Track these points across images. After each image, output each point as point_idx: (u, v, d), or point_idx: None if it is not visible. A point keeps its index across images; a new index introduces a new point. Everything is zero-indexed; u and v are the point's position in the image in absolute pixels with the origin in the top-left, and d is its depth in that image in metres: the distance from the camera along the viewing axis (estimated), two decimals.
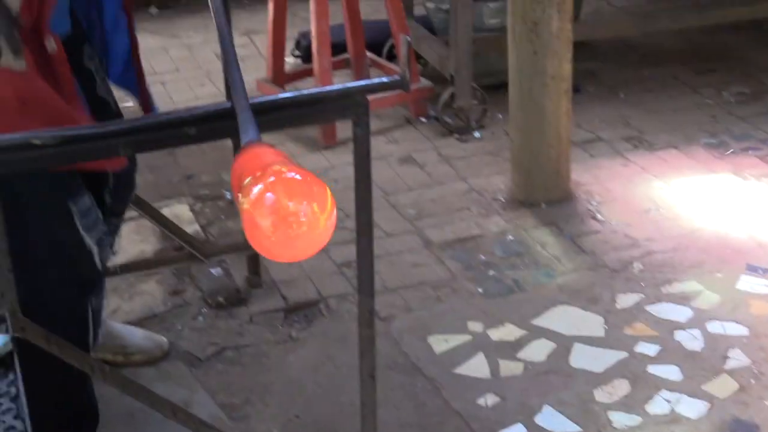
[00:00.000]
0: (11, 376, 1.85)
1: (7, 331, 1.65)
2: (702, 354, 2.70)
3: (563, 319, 2.87)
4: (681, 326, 2.81)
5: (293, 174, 1.30)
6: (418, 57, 4.28)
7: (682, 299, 2.92)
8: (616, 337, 2.77)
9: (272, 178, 1.29)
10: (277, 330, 2.89)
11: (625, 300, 2.93)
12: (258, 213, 1.27)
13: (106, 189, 2.18)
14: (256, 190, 1.28)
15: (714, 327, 2.80)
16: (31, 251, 1.85)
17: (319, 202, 1.28)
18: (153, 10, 5.43)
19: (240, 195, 1.30)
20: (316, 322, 2.91)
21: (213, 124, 1.65)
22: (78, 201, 1.91)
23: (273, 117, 1.68)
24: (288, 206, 1.26)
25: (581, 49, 4.10)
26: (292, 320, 2.93)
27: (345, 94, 1.69)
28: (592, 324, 2.84)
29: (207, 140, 1.71)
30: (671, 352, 2.71)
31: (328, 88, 1.73)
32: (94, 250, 1.95)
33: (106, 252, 2.02)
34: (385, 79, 1.72)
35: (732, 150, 3.77)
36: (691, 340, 2.75)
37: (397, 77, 1.68)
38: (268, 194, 1.27)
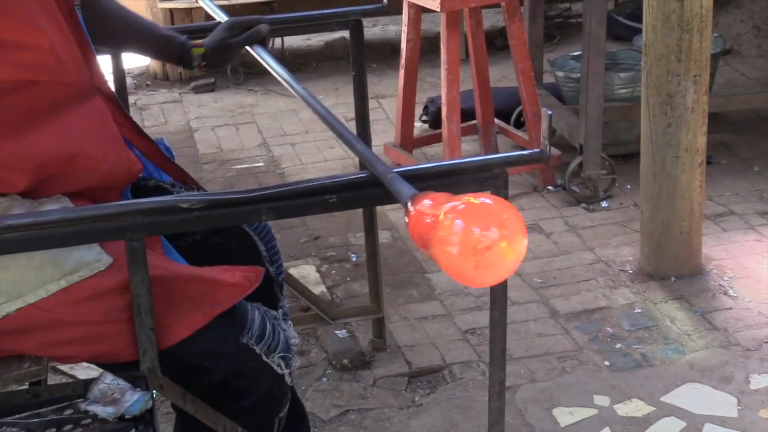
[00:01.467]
0: None
1: (147, 389, 1.68)
2: None
3: (694, 397, 2.79)
4: None
5: (483, 200, 1.31)
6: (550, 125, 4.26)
7: None
8: (751, 420, 2.68)
9: (462, 206, 1.30)
10: (400, 395, 2.88)
11: (760, 381, 2.84)
12: (447, 236, 1.28)
13: (266, 263, 2.11)
14: (447, 219, 1.29)
15: None
16: (223, 387, 1.83)
17: (508, 230, 1.29)
18: None
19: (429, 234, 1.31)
20: (440, 388, 2.90)
21: (353, 193, 1.68)
22: (248, 330, 1.82)
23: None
24: (477, 232, 1.28)
25: (713, 120, 4.03)
26: (415, 385, 2.93)
27: (484, 166, 1.70)
28: (725, 404, 2.75)
29: (347, 208, 1.74)
30: None
31: (468, 159, 1.74)
32: (283, 368, 1.87)
33: (294, 363, 1.92)
34: (525, 153, 1.72)
35: None
36: None
37: (537, 151, 1.68)
38: (457, 221, 1.28)
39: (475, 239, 1.27)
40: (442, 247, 1.29)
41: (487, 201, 1.32)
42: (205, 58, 2.25)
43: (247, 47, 2.26)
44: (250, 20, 2.28)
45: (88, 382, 1.67)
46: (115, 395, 1.61)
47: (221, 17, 2.35)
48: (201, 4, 2.54)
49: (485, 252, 1.28)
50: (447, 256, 1.29)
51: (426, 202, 1.37)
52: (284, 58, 5.67)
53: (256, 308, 1.86)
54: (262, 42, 2.27)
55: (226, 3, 5.03)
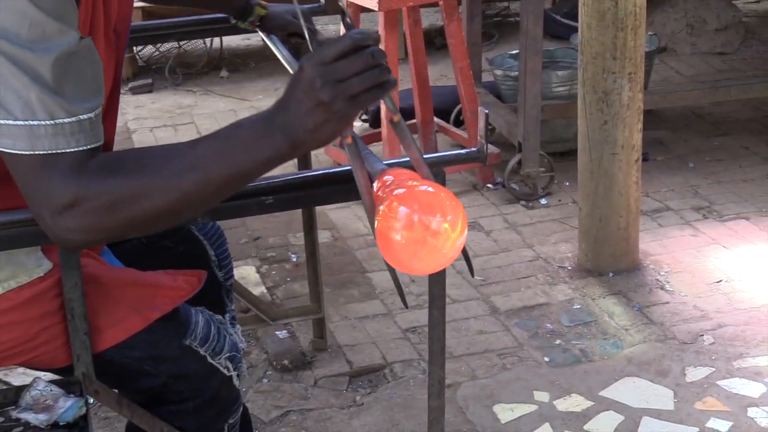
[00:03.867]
0: None
1: (80, 395, 1.66)
2: None
3: (632, 391, 2.82)
4: (754, 402, 2.75)
5: (425, 187, 1.31)
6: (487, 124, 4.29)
7: (755, 374, 2.86)
8: (687, 412, 2.72)
9: (404, 190, 1.30)
10: (341, 394, 2.88)
11: (696, 374, 2.88)
12: (389, 222, 1.28)
13: (215, 268, 2.09)
14: (386, 204, 1.29)
15: None
16: (166, 390, 1.80)
17: (451, 216, 1.28)
18: (223, 73, 5.53)
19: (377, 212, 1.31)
20: (381, 387, 2.90)
21: (290, 194, 1.67)
22: (191, 333, 1.79)
23: (348, 186, 1.69)
24: (420, 218, 1.27)
25: (649, 118, 4.09)
26: (356, 385, 2.92)
27: None
28: (662, 397, 2.79)
29: (284, 209, 1.73)
30: (744, 430, 2.65)
31: (404, 158, 1.74)
32: (231, 370, 1.85)
33: (242, 366, 1.90)
34: (462, 151, 1.73)
35: None
36: (764, 417, 2.69)
37: (474, 150, 1.69)
38: (401, 206, 1.28)
39: (418, 226, 1.27)
40: (385, 232, 1.29)
41: (430, 188, 1.31)
42: (261, 19, 2.40)
43: (264, 36, 2.42)
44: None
45: (20, 389, 1.64)
46: (48, 402, 1.58)
47: None
48: None
49: (426, 239, 1.27)
50: (387, 242, 1.29)
51: (387, 178, 1.38)
52: (223, 58, 5.64)
53: (200, 312, 1.85)
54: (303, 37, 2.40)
55: None
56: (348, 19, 1.41)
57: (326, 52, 1.30)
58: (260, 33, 2.45)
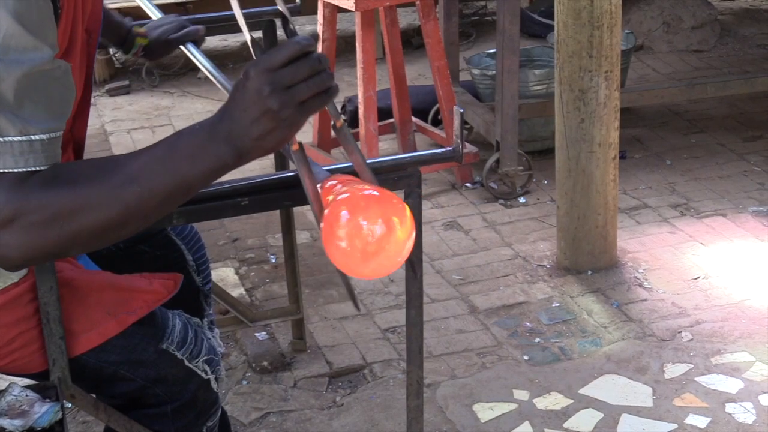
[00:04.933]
0: None
1: (56, 400, 1.65)
2: (754, 427, 2.64)
3: (611, 388, 2.83)
4: (732, 398, 2.76)
5: (370, 191, 1.30)
6: (464, 122, 4.29)
7: (733, 370, 2.87)
8: (666, 409, 2.73)
9: (347, 195, 1.29)
10: (321, 395, 2.88)
11: (674, 370, 2.89)
12: (333, 229, 1.27)
13: (193, 273, 2.09)
14: (329, 210, 1.29)
15: (767, 399, 2.74)
16: (144, 394, 1.79)
17: (398, 219, 1.27)
18: (201, 74, 5.51)
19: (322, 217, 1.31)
20: (361, 387, 2.90)
21: (266, 195, 1.66)
22: (168, 336, 1.78)
23: None
24: (362, 222, 1.26)
25: (627, 116, 4.10)
26: (336, 386, 2.92)
27: (397, 166, 1.70)
28: (641, 394, 2.80)
29: (260, 210, 1.72)
30: (722, 425, 2.66)
31: (382, 158, 1.74)
32: (208, 373, 1.83)
33: (221, 370, 1.88)
34: (438, 151, 1.72)
35: None
36: (742, 412, 2.70)
37: (449, 149, 1.69)
38: (343, 211, 1.27)
39: (361, 231, 1.25)
40: (330, 239, 1.28)
41: (374, 192, 1.30)
42: (144, 49, 2.36)
43: (181, 46, 2.39)
44: (183, 20, 2.44)
45: None
46: (24, 407, 1.57)
47: (157, 16, 2.47)
48: (139, 2, 2.57)
49: (371, 243, 1.26)
50: (334, 248, 1.28)
51: (330, 183, 1.37)
52: None
53: (177, 315, 1.84)
54: (197, 41, 2.40)
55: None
56: (291, 26, 1.39)
57: (273, 58, 1.27)
58: (183, 48, 2.40)
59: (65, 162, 1.48)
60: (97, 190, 1.32)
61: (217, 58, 5.72)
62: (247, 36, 1.38)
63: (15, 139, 1.31)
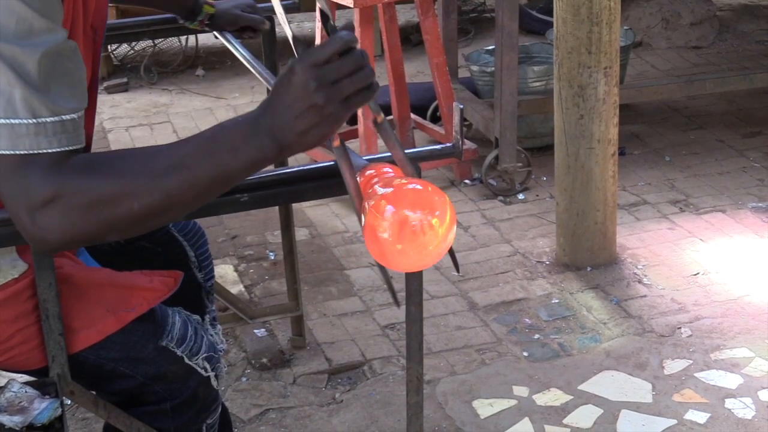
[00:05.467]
0: None
1: (56, 396, 1.65)
2: (754, 423, 2.65)
3: (610, 384, 2.83)
4: (732, 394, 2.76)
5: (413, 185, 1.30)
6: (463, 119, 4.29)
7: (733, 366, 2.87)
8: (665, 404, 2.73)
9: (390, 189, 1.29)
10: (320, 392, 2.88)
11: (674, 366, 2.89)
12: (376, 224, 1.27)
13: (194, 269, 2.08)
14: (374, 203, 1.30)
15: (766, 395, 2.75)
16: (144, 391, 1.79)
17: (439, 213, 1.28)
18: (199, 71, 5.51)
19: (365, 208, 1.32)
20: (360, 384, 2.90)
21: (265, 191, 1.66)
22: (167, 334, 1.78)
23: (324, 184, 1.69)
24: (407, 216, 1.27)
25: (625, 112, 4.10)
26: (336, 382, 2.92)
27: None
28: (640, 390, 2.80)
29: (259, 207, 1.72)
30: (722, 421, 2.66)
31: (381, 155, 1.73)
32: (208, 370, 1.83)
33: (221, 367, 1.88)
34: (437, 147, 1.72)
35: None
36: (742, 408, 2.70)
37: (449, 145, 1.68)
38: (389, 206, 1.27)
39: (406, 224, 1.27)
40: (373, 232, 1.28)
41: (418, 186, 1.31)
42: (210, 18, 2.42)
43: (216, 33, 2.46)
44: (253, 3, 2.52)
45: None
46: (23, 403, 1.57)
47: None
48: None
49: (414, 236, 1.27)
50: (376, 241, 1.29)
51: (369, 172, 1.38)
52: (198, 56, 5.62)
53: (176, 312, 1.84)
54: (258, 29, 2.51)
55: None
56: (331, 22, 1.39)
57: (318, 53, 1.27)
58: (213, 32, 2.46)
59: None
60: (138, 178, 1.32)
61: (215, 55, 5.71)
62: (288, 32, 1.38)
63: (48, 120, 1.32)
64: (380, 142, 4.19)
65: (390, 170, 1.41)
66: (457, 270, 1.65)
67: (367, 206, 1.31)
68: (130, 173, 1.32)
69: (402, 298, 1.79)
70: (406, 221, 1.27)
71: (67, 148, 1.33)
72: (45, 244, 1.35)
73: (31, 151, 1.32)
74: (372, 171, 1.39)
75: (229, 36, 2.42)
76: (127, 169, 1.33)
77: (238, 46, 2.37)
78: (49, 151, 1.32)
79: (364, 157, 1.55)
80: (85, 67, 1.45)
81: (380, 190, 1.32)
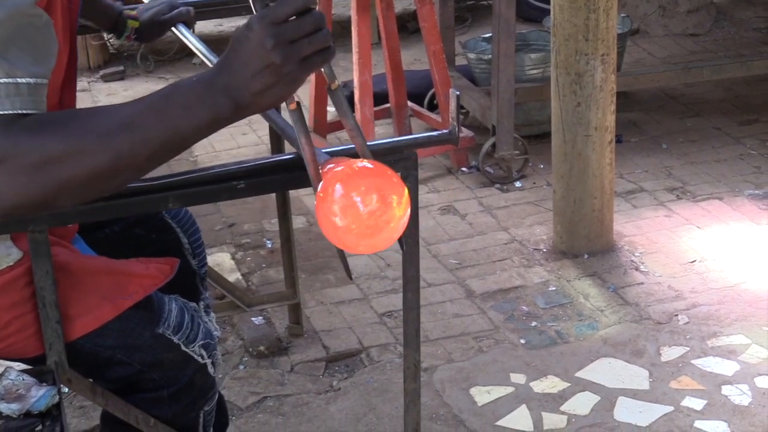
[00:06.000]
0: (57, 429, 1.84)
1: (53, 384, 1.65)
2: (750, 409, 2.65)
3: (607, 371, 2.83)
4: (728, 380, 2.77)
5: (364, 164, 1.28)
6: (460, 106, 4.29)
7: (729, 353, 2.88)
8: (662, 391, 2.74)
9: (341, 168, 1.27)
10: (318, 380, 2.88)
11: (670, 353, 2.90)
12: (327, 202, 1.25)
13: (188, 256, 2.08)
14: (323, 185, 1.28)
15: (763, 382, 2.75)
16: (141, 379, 1.79)
17: (395, 194, 1.26)
18: (196, 59, 5.50)
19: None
20: (358, 372, 2.90)
21: (262, 178, 1.66)
22: (164, 321, 1.78)
23: None
24: (355, 197, 1.24)
25: (623, 100, 4.10)
26: (333, 370, 2.92)
27: (394, 149, 1.70)
28: (637, 377, 2.80)
29: (256, 194, 1.72)
30: (718, 407, 2.66)
31: (378, 141, 1.74)
32: (205, 357, 1.83)
33: (217, 354, 1.88)
34: (434, 134, 1.72)
35: None
36: (738, 394, 2.71)
37: (446, 132, 1.68)
38: (337, 185, 1.25)
39: (356, 204, 1.24)
40: (325, 215, 1.26)
41: (368, 165, 1.28)
42: (136, 32, 2.36)
43: (173, 28, 2.38)
44: (174, 1, 2.43)
45: None
46: (21, 391, 1.57)
47: None
48: None
49: (367, 215, 1.24)
50: (328, 224, 1.27)
51: (328, 166, 1.35)
52: None
53: (173, 300, 1.84)
54: (188, 22, 2.39)
55: None
56: None
57: (277, 11, 1.24)
58: (174, 30, 2.39)
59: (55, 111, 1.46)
60: (88, 136, 1.28)
61: (212, 42, 5.68)
62: None
63: (1, 81, 1.29)
64: (380, 131, 4.18)
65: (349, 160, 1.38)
66: (349, 276, 1.62)
67: (318, 192, 1.29)
68: (80, 132, 1.29)
69: (400, 286, 1.80)
70: (355, 202, 1.24)
71: (19, 111, 1.30)
72: None
73: None
74: (332, 165, 1.36)
75: (182, 28, 2.36)
76: (77, 128, 1.29)
77: (191, 38, 2.29)
78: (1, 112, 1.29)
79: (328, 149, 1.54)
80: (59, 39, 1.43)
81: (332, 171, 1.29)
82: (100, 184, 1.32)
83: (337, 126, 4.26)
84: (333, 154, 1.51)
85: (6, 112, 1.29)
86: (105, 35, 5.27)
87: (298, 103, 1.34)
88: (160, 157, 1.32)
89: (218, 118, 1.29)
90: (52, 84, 1.57)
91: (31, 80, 1.32)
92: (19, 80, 1.30)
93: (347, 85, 4.52)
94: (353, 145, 1.46)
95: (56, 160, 1.28)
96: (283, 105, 1.33)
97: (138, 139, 1.28)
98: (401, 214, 1.27)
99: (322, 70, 1.34)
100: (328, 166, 1.36)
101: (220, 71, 1.28)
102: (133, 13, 2.35)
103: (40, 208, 1.35)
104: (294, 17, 1.24)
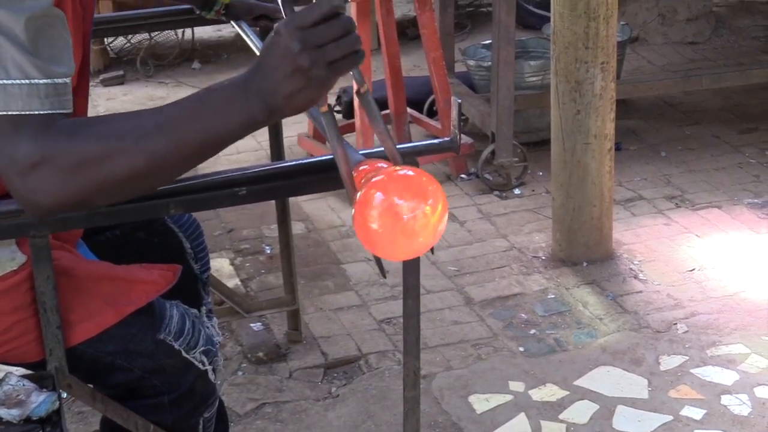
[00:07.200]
0: None
1: (53, 389, 1.64)
2: (750, 419, 2.65)
3: (606, 380, 2.83)
4: (727, 390, 2.76)
5: (405, 171, 1.30)
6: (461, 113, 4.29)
7: (729, 362, 2.88)
8: (661, 400, 2.74)
9: (382, 176, 1.29)
10: (316, 386, 2.87)
11: (669, 362, 2.90)
12: (366, 210, 1.27)
13: (191, 261, 2.08)
14: (363, 191, 1.29)
15: (762, 392, 2.75)
16: (141, 385, 1.79)
17: (432, 200, 1.27)
18: (195, 64, 5.50)
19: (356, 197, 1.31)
20: (356, 378, 2.90)
21: (263, 185, 1.66)
22: (165, 327, 1.78)
23: (321, 177, 1.69)
24: (397, 203, 1.26)
25: (622, 107, 4.10)
26: (332, 377, 2.92)
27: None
28: (636, 386, 2.80)
29: (257, 201, 1.72)
30: (717, 417, 2.66)
31: (377, 149, 1.73)
32: (206, 364, 1.83)
33: (218, 360, 1.88)
34: (435, 141, 1.72)
35: None
36: (738, 404, 2.70)
37: (447, 139, 1.68)
38: (378, 193, 1.27)
39: (397, 210, 1.26)
40: (362, 221, 1.28)
41: (409, 173, 1.30)
42: (226, 8, 2.44)
43: (234, 22, 2.46)
44: None
45: None
46: (21, 396, 1.56)
47: None
48: None
49: (407, 223, 1.26)
50: (365, 230, 1.28)
51: (362, 167, 1.37)
52: (195, 49, 5.61)
53: (174, 306, 1.84)
54: (275, 17, 2.48)
55: None
56: None
57: (305, 16, 1.27)
58: (230, 22, 2.46)
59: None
60: (124, 139, 1.32)
61: (212, 48, 5.71)
62: None
63: (41, 81, 1.33)
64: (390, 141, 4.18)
65: (384, 165, 1.39)
66: (383, 275, 1.64)
67: (357, 195, 1.31)
68: (116, 134, 1.33)
69: (399, 293, 1.79)
70: (396, 209, 1.26)
71: (57, 111, 1.34)
72: (38, 207, 1.36)
73: (23, 112, 1.32)
74: (366, 166, 1.38)
75: (244, 26, 2.42)
76: (113, 131, 1.33)
77: (252, 36, 2.36)
78: (41, 112, 1.33)
79: (360, 151, 1.55)
80: (74, 43, 1.44)
81: (372, 179, 1.30)
82: (137, 184, 1.37)
83: (346, 129, 4.19)
84: (367, 156, 1.50)
85: (46, 112, 1.33)
86: (106, 40, 5.29)
87: (330, 106, 1.37)
88: (195, 158, 1.35)
89: (251, 120, 1.32)
90: None
91: (65, 80, 1.36)
92: (56, 80, 1.34)
93: (347, 91, 4.52)
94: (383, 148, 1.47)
95: (94, 162, 1.32)
96: None
97: (173, 140, 1.32)
98: (438, 220, 1.29)
99: (352, 73, 1.36)
100: (362, 167, 1.37)
101: (252, 75, 1.31)
102: None
103: (79, 207, 1.41)
104: (322, 22, 1.27)
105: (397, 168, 1.33)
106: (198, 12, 2.48)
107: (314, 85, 1.28)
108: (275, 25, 1.29)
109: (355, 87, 1.41)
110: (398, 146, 1.67)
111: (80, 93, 1.66)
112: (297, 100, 1.29)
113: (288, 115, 1.33)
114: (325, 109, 1.36)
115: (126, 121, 1.34)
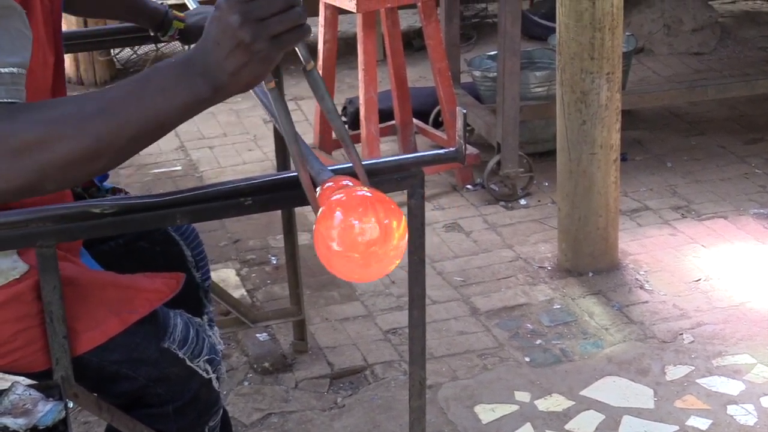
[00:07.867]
0: None
1: (60, 399, 1.65)
2: (756, 429, 2.65)
3: (612, 390, 2.83)
4: (734, 400, 2.76)
5: (363, 192, 1.27)
6: (466, 124, 4.29)
7: (735, 372, 2.88)
8: (667, 410, 2.73)
9: (341, 196, 1.27)
10: (322, 396, 2.88)
11: (675, 372, 2.89)
12: (325, 230, 1.25)
13: (192, 269, 2.08)
14: (324, 209, 1.27)
15: None
16: (146, 393, 1.80)
17: (392, 220, 1.25)
18: None
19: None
20: (362, 389, 2.90)
21: (269, 195, 1.66)
22: (169, 335, 1.78)
23: None
24: (354, 223, 1.24)
25: (627, 118, 4.10)
26: (337, 387, 2.92)
27: (400, 166, 1.70)
28: (642, 396, 2.80)
29: (263, 210, 1.73)
30: (723, 427, 2.66)
31: (383, 159, 1.74)
32: (210, 373, 1.83)
33: (222, 369, 1.88)
34: (441, 152, 1.73)
35: None
36: (744, 414, 2.70)
37: (452, 150, 1.69)
38: (337, 213, 1.25)
39: (354, 232, 1.24)
40: (322, 241, 1.26)
41: (367, 193, 1.27)
42: (180, 32, 2.43)
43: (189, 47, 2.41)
44: None
45: None
46: (27, 406, 1.57)
47: (194, 6, 2.56)
48: None
49: (363, 247, 1.24)
50: (325, 250, 1.26)
51: (327, 185, 1.34)
52: None
53: (178, 314, 1.84)
54: None
55: None
56: None
57: None
58: (187, 46, 2.47)
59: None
60: (67, 120, 1.29)
61: None
62: None
63: None
64: (385, 148, 4.19)
65: (349, 182, 1.36)
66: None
67: (317, 214, 1.29)
68: (58, 117, 1.30)
69: (405, 303, 1.79)
70: (355, 231, 1.23)
71: (2, 100, 1.32)
72: None
73: None
74: (331, 183, 1.34)
75: None
76: (55, 115, 1.30)
77: None
78: None
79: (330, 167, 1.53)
80: (41, 29, 1.45)
81: (331, 198, 1.28)
82: (84, 168, 1.32)
83: (352, 139, 4.23)
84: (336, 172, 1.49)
85: None
86: (113, 51, 5.31)
87: (277, 83, 1.34)
88: (141, 140, 1.32)
89: (197, 99, 1.29)
90: (42, 85, 1.58)
91: (14, 69, 1.34)
92: (2, 70, 1.33)
93: (353, 101, 4.53)
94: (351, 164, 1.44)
95: (35, 146, 1.28)
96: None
97: (116, 122, 1.29)
98: (398, 240, 1.26)
99: (297, 49, 1.33)
100: (327, 185, 1.35)
101: (195, 53, 1.28)
102: (181, 15, 2.43)
103: (26, 193, 1.35)
104: None
105: (357, 188, 1.30)
106: (152, 34, 2.48)
107: (258, 60, 1.25)
108: (216, 1, 1.26)
109: (304, 65, 1.37)
110: (405, 157, 1.68)
111: (59, 90, 1.67)
112: (242, 76, 1.26)
113: (234, 92, 1.29)
114: (272, 85, 1.32)
115: (69, 105, 1.31)
